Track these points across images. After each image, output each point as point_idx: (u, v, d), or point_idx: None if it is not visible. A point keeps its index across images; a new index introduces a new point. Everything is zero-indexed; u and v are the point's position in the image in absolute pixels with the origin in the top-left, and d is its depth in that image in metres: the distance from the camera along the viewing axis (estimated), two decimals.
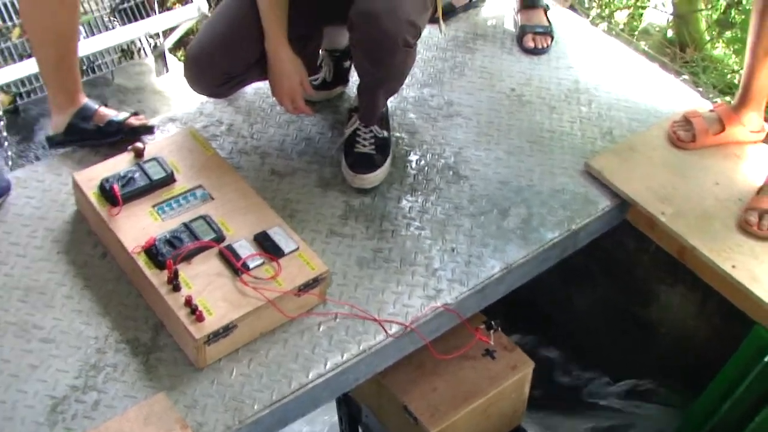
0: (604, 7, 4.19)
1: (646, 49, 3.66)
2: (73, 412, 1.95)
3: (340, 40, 2.74)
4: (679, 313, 2.90)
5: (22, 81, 3.61)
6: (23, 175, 2.52)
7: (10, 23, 3.72)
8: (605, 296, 3.12)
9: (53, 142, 2.56)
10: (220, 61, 2.42)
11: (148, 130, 2.59)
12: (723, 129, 2.71)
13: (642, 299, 3.00)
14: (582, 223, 2.53)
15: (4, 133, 2.86)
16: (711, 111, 2.78)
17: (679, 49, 4.34)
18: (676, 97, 3.01)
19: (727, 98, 3.57)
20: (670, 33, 4.56)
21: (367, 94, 2.48)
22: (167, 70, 4.05)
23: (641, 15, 4.43)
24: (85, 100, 2.54)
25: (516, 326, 3.03)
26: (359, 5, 2.26)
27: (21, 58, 3.65)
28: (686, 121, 2.75)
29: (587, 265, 3.05)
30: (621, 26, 4.04)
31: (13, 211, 2.40)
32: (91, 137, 2.54)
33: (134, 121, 2.56)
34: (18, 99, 3.76)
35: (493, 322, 2.54)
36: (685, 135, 2.72)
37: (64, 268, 2.26)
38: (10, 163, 2.93)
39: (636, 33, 4.07)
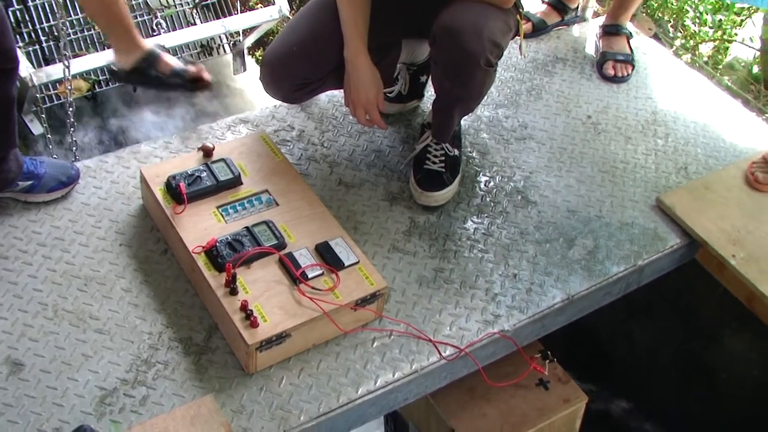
0: (689, 38, 4.11)
1: (729, 84, 3.58)
2: (121, 405, 1.96)
3: (419, 54, 2.72)
4: (743, 359, 2.83)
5: (102, 69, 3.64)
6: (93, 164, 2.54)
7: None
8: (667, 335, 3.05)
9: (118, 76, 2.47)
10: (297, 67, 2.41)
11: (206, 85, 2.49)
12: None
13: (705, 341, 2.93)
14: (649, 260, 2.48)
15: (72, 119, 2.87)
16: None
17: (764, 87, 4.24)
18: (757, 136, 2.94)
19: None
20: (756, 69, 4.46)
21: (441, 111, 2.45)
22: (245, 69, 4.07)
23: (727, 49, 4.33)
24: (148, 47, 2.42)
25: (572, 358, 2.97)
26: (443, 20, 2.23)
27: (103, 47, 3.69)
28: (765, 162, 2.68)
29: (651, 301, 2.99)
30: (705, 59, 3.96)
31: (80, 200, 2.42)
32: (154, 84, 2.47)
33: (194, 70, 2.46)
34: (96, 87, 3.81)
35: (549, 352, 2.50)
36: (763, 177, 2.65)
37: (125, 261, 2.27)
38: (74, 148, 2.94)
39: (720, 67, 3.98)
